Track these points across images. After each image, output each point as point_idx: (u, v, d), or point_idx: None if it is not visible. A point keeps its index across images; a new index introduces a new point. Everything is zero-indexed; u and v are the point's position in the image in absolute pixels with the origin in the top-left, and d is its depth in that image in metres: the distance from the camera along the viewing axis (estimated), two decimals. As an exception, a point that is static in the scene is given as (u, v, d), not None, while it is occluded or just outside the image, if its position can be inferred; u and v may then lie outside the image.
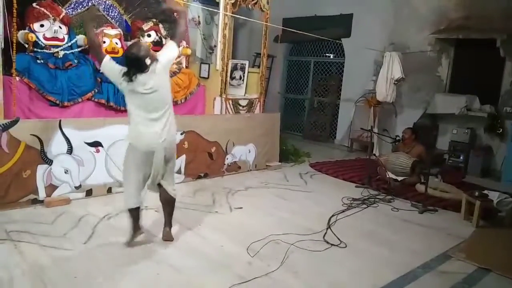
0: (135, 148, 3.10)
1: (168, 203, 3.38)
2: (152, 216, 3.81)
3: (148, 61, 2.98)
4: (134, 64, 2.96)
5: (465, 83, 7.20)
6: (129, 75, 2.95)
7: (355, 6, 8.46)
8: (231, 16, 5.91)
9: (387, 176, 5.55)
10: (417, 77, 7.63)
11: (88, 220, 3.68)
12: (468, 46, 7.21)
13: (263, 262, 3.14)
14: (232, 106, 6.07)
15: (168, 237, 3.37)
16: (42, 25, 4.46)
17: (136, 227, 3.25)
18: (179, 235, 3.53)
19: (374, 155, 6.39)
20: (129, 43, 5.29)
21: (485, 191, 4.57)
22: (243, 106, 6.26)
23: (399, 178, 5.64)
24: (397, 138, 6.10)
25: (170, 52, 3.21)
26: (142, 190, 3.21)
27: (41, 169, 3.93)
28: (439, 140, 7.53)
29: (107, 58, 3.09)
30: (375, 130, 7.32)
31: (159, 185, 3.29)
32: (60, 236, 3.31)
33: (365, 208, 4.69)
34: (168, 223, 3.41)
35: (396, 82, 7.30)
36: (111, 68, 3.07)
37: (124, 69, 2.99)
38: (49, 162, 3.97)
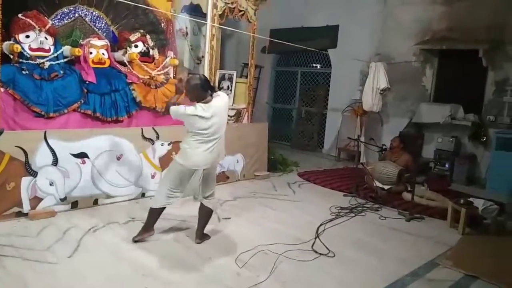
0: (182, 165, 3.37)
1: (205, 215, 3.64)
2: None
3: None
4: (209, 83, 3.44)
5: (449, 92, 7.34)
6: (212, 91, 3.40)
7: (341, 18, 8.59)
8: (219, 27, 5.94)
9: (374, 184, 5.60)
10: (402, 87, 7.76)
11: (73, 233, 3.62)
12: (451, 57, 7.37)
13: (251, 272, 3.13)
14: (220, 116, 6.06)
15: (202, 240, 3.65)
16: (27, 36, 4.41)
17: (150, 228, 3.54)
18: (166, 247, 3.50)
19: (362, 164, 6.43)
20: (116, 54, 5.27)
21: (471, 199, 4.63)
22: (231, 116, 6.25)
23: (386, 187, 5.69)
24: (384, 147, 6.16)
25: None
26: (173, 197, 3.47)
27: (25, 181, 3.86)
28: (424, 149, 7.63)
29: (173, 108, 3.45)
30: (362, 139, 7.40)
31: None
32: (45, 249, 3.24)
33: (353, 216, 4.72)
34: (200, 234, 3.64)
35: (382, 92, 7.42)
36: (177, 110, 3.40)
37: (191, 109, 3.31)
38: (34, 174, 3.91)
